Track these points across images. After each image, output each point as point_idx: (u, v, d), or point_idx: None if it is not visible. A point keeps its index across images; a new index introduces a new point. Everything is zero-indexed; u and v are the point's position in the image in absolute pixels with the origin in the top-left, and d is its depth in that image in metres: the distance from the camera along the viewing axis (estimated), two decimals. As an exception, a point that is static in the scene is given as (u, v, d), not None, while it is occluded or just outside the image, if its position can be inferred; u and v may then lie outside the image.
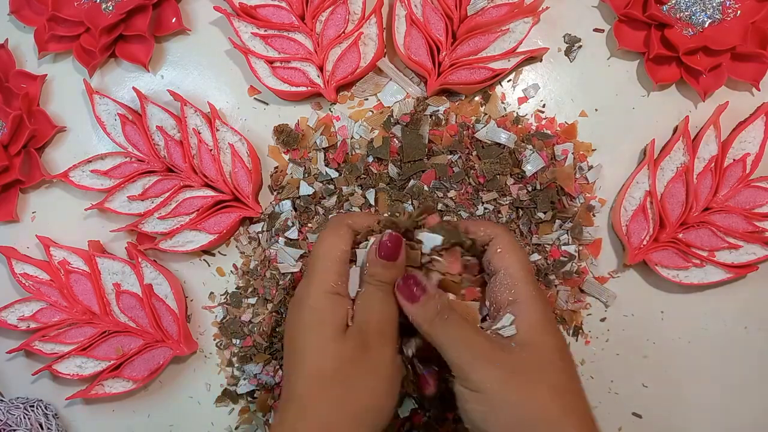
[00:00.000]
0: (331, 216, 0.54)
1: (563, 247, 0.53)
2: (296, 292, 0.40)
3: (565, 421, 0.35)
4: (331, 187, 0.55)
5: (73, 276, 0.55)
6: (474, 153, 0.54)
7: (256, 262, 0.56)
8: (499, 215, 0.53)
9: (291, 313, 0.39)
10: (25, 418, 0.54)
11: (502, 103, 0.56)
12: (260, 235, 0.56)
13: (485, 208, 0.53)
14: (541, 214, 0.52)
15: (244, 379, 0.55)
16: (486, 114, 0.55)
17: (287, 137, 0.56)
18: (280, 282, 0.54)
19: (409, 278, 0.38)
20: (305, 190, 0.55)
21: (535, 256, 0.53)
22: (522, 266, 0.39)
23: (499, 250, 0.39)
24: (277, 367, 0.54)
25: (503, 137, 0.53)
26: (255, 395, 0.55)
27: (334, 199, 0.55)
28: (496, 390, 0.35)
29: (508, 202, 0.53)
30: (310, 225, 0.55)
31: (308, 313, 0.37)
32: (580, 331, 0.54)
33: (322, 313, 0.37)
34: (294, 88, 0.55)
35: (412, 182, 0.54)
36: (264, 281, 0.55)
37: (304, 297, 0.38)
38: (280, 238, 0.55)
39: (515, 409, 0.35)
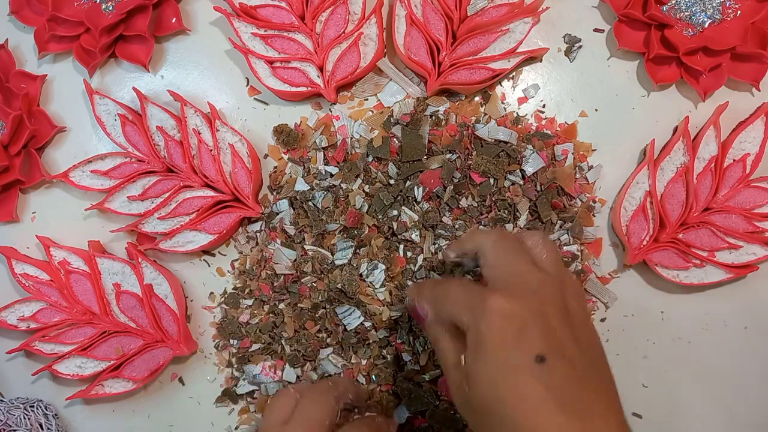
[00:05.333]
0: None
1: (565, 248, 0.53)
2: None
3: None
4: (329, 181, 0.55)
5: (73, 276, 0.55)
6: (474, 153, 0.54)
7: (252, 262, 0.56)
8: (499, 213, 0.53)
9: None
10: (25, 418, 0.54)
11: (502, 103, 0.56)
12: (258, 234, 0.56)
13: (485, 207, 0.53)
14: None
15: (244, 379, 0.55)
16: (486, 114, 0.55)
17: (287, 137, 0.56)
18: (275, 282, 0.54)
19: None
20: (301, 186, 0.55)
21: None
22: (503, 277, 0.38)
23: (484, 264, 0.39)
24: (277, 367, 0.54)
25: (502, 135, 0.53)
26: (255, 395, 0.55)
27: (331, 197, 0.55)
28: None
29: (507, 205, 0.53)
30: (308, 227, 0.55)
31: None
32: (580, 331, 0.54)
33: None
34: (294, 89, 0.55)
35: (408, 183, 0.54)
36: (259, 281, 0.55)
37: None
38: (277, 238, 0.55)
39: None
